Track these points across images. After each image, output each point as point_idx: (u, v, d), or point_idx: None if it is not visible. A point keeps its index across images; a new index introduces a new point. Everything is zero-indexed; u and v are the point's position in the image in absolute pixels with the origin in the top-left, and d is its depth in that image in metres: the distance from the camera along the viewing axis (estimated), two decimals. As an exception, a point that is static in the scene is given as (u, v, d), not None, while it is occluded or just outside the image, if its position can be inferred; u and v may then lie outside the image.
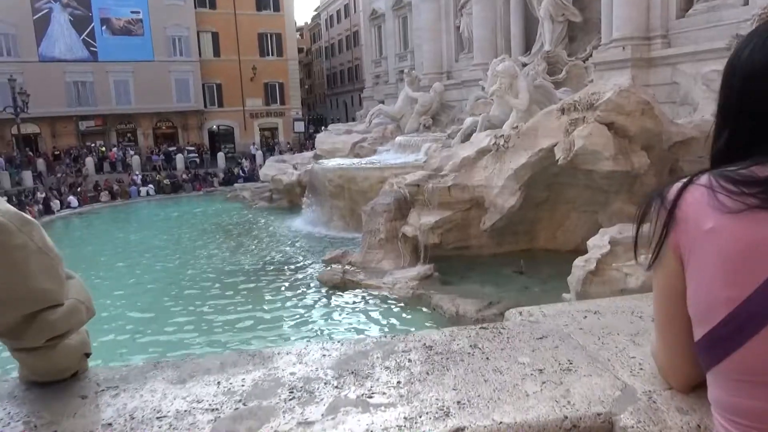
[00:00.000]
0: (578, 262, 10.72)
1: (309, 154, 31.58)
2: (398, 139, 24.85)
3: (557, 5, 23.43)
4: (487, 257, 15.30)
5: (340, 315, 12.43)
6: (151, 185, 35.09)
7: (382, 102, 34.59)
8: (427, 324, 11.60)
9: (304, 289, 14.28)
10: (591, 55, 21.51)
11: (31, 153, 38.20)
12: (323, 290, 14.01)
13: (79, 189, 33.03)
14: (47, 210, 28.65)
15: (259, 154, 41.92)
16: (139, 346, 11.34)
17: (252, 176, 36.21)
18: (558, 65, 22.56)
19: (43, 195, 30.40)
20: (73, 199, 31.04)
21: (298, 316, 12.49)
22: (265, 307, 13.10)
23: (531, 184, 14.00)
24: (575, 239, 14.88)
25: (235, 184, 35.91)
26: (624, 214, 13.41)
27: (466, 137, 18.39)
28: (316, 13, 78.91)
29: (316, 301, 13.38)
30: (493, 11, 27.00)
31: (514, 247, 15.50)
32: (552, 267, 13.84)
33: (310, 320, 12.25)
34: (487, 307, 11.76)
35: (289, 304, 13.31)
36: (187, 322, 12.42)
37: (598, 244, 11.28)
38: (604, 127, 12.17)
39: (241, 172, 38.73)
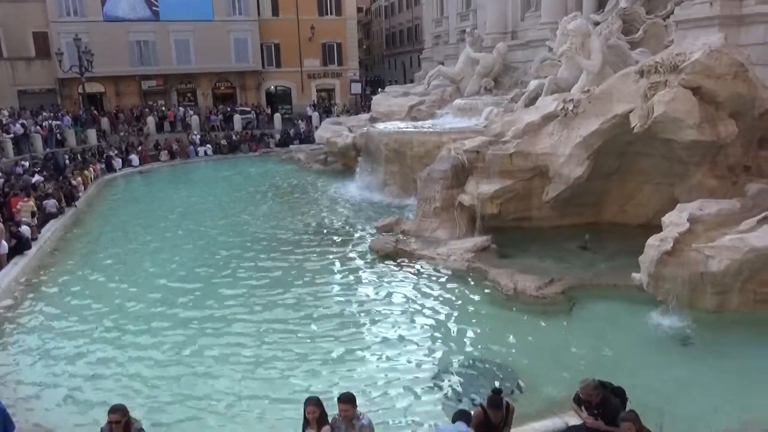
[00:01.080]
0: (652, 240, 9.77)
1: (365, 116, 30.89)
2: (457, 102, 23.81)
3: (636, -43, 21.45)
4: (549, 230, 14.45)
5: (390, 287, 11.95)
6: (209, 145, 35.38)
7: (442, 63, 33.31)
8: (481, 301, 10.99)
9: (355, 258, 13.87)
10: (672, 13, 19.65)
11: (95, 112, 39.15)
12: (375, 259, 13.58)
13: (140, 148, 33.68)
14: (109, 168, 29.33)
15: (315, 115, 41.54)
16: (184, 312, 11.26)
17: (308, 138, 35.95)
18: (634, 24, 20.74)
19: (115, 153, 31.19)
20: (134, 158, 31.61)
21: (346, 287, 12.10)
22: (314, 276, 12.77)
23: (601, 153, 12.94)
24: (647, 213, 13.83)
25: (291, 146, 35.72)
26: (705, 188, 12.25)
27: (531, 101, 17.28)
28: (376, -30, 76.89)
29: (366, 271, 12.95)
30: (564, -35, 25.11)
31: (579, 219, 14.57)
32: (619, 243, 12.93)
33: (359, 292, 11.83)
34: (549, 285, 11.04)
35: (338, 272, 12.93)
36: (233, 289, 12.25)
37: (676, 221, 10.27)
38: (689, 92, 10.95)
39: (297, 133, 38.53)
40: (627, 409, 6.09)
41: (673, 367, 8.28)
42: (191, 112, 41.78)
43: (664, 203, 12.60)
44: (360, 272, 12.90)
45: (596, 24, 20.04)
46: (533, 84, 18.77)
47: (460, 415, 5.83)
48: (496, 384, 7.24)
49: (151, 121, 38.87)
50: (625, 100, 12.08)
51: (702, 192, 11.92)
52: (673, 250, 9.56)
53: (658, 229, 10.31)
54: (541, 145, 13.67)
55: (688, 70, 10.96)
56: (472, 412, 6.23)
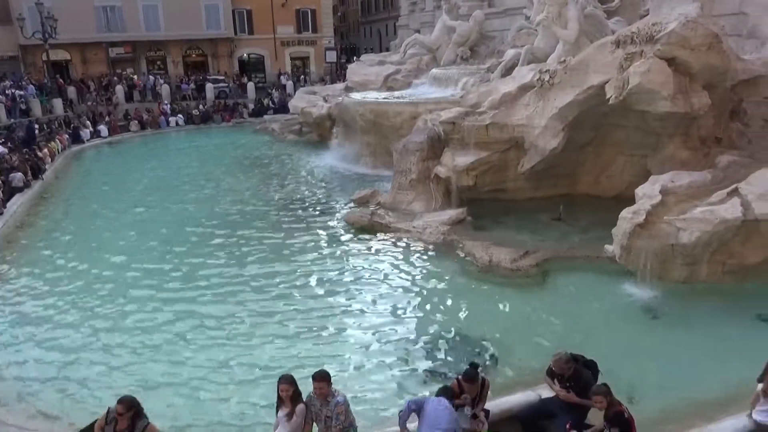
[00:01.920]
0: (625, 213, 9.85)
1: (340, 85, 30.41)
2: (434, 71, 23.52)
3: (614, -77, 21.14)
4: (523, 201, 14.50)
5: (366, 260, 11.91)
6: (180, 115, 34.58)
7: (418, 31, 32.79)
8: (457, 274, 11.02)
9: (331, 231, 13.76)
10: (648, -19, 19.55)
11: (61, 80, 37.85)
12: (350, 232, 13.50)
13: (108, 118, 32.73)
14: (76, 139, 28.46)
15: (289, 84, 40.80)
16: (157, 290, 11.08)
17: (282, 107, 35.34)
18: (611, -8, 20.62)
19: (83, 123, 30.25)
20: (103, 128, 30.72)
21: (322, 260, 12.01)
22: (289, 249, 12.65)
23: (576, 124, 12.93)
24: (620, 185, 13.93)
25: (265, 116, 35.11)
26: (677, 159, 12.34)
27: (507, 71, 17.14)
28: (350, -66, 74.89)
29: (342, 244, 12.87)
30: (542, -69, 24.68)
31: (553, 191, 14.64)
32: (593, 214, 13.04)
33: (334, 265, 11.76)
34: (523, 257, 11.10)
35: (314, 246, 12.82)
36: (208, 265, 12.05)
37: (648, 193, 10.35)
38: (664, 63, 10.92)
39: (270, 103, 37.82)
40: (599, 381, 6.18)
41: (644, 337, 8.43)
42: (161, 81, 40.68)
43: (637, 175, 12.69)
44: (336, 245, 12.82)
45: (573, -8, 19.84)
46: (510, 53, 18.60)
47: (443, 392, 5.85)
48: (475, 359, 7.29)
49: (119, 90, 37.77)
50: (601, 71, 12.02)
51: (674, 164, 12.02)
52: (645, 222, 9.65)
53: (631, 200, 10.40)
54: (517, 117, 13.60)
55: (663, 40, 10.91)
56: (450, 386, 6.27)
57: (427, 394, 6.67)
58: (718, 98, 12.05)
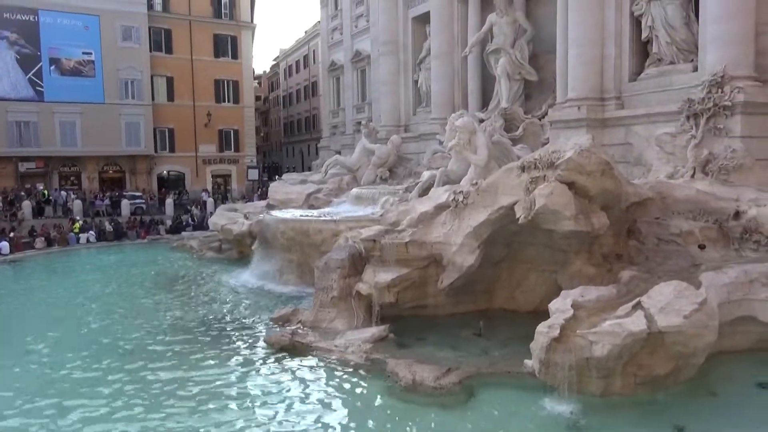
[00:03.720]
0: (541, 328, 10.13)
1: (261, 203, 30.63)
2: (354, 191, 24.32)
3: (514, 64, 23.84)
4: (444, 317, 14.66)
5: (287, 383, 11.39)
6: (92, 231, 33.28)
7: (339, 152, 34.25)
8: (380, 395, 10.72)
9: (250, 352, 13.17)
10: (546, 114, 21.78)
11: (-39, 195, 36.06)
12: (270, 353, 12.95)
13: (12, 234, 30.92)
14: (-29, 257, 26.55)
15: (210, 201, 40.65)
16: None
17: (202, 224, 34.87)
18: (514, 122, 22.75)
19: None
20: (4, 245, 28.91)
21: (239, 383, 11.38)
22: (203, 374, 11.90)
23: (489, 242, 13.56)
24: (534, 300, 14.45)
25: (183, 233, 34.40)
26: (583, 275, 13.09)
27: (424, 191, 18.01)
28: (275, 62, 79.41)
29: (261, 367, 12.28)
30: (451, 67, 27.36)
31: (472, 307, 14.93)
32: (511, 329, 13.32)
33: (253, 389, 11.16)
34: (446, 374, 11.01)
35: (230, 369, 12.14)
36: (109, 392, 11.10)
37: (561, 307, 10.76)
38: (565, 187, 11.88)
39: (190, 219, 37.30)
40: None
41: (567, 455, 8.40)
42: (73, 196, 39.41)
43: (550, 289, 13.28)
44: (254, 368, 12.23)
45: (481, 121, 21.72)
46: (426, 175, 19.65)
47: None
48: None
49: (27, 205, 36.10)
50: (509, 193, 12.88)
51: (582, 279, 12.73)
52: (560, 336, 9.92)
53: (546, 315, 10.74)
54: (434, 234, 14.11)
55: (562, 166, 11.95)
56: None
57: None
58: (615, 218, 13.12)
